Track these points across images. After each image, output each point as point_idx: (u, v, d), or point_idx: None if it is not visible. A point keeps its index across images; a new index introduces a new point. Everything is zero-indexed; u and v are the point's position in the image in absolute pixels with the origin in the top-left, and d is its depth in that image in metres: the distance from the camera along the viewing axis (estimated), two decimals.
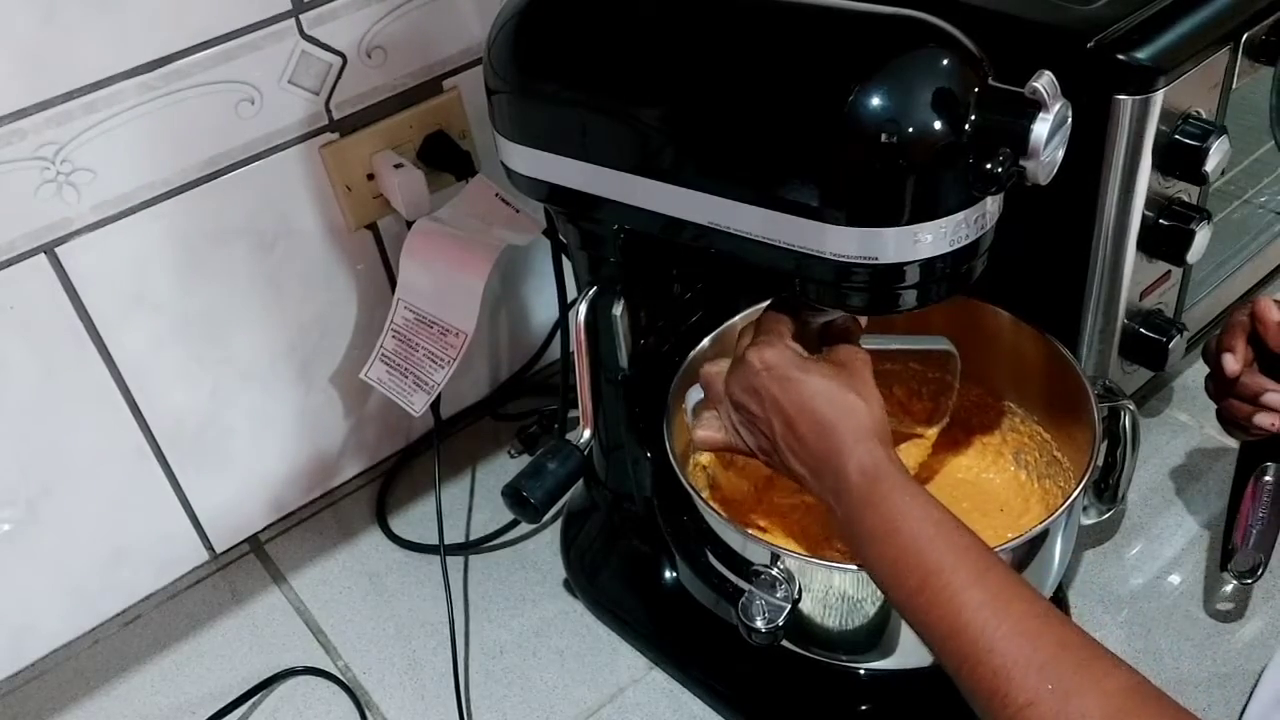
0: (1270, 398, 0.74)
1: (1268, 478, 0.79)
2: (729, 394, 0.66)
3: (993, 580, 0.56)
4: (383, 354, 0.89)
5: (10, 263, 0.75)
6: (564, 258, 0.89)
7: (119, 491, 0.88)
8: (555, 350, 1.08)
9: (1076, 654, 0.53)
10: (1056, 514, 0.67)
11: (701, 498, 0.71)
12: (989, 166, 0.55)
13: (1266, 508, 0.79)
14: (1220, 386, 0.77)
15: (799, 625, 0.68)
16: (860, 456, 0.60)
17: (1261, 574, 0.78)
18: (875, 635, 0.69)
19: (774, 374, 0.63)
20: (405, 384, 0.89)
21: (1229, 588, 0.82)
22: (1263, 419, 0.74)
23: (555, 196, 0.69)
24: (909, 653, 0.70)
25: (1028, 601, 0.55)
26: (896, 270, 0.58)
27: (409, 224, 0.87)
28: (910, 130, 0.54)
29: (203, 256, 0.84)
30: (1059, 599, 0.82)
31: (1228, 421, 0.78)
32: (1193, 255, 0.79)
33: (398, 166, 0.87)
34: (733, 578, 0.69)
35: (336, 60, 0.83)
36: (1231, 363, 0.75)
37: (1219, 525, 0.86)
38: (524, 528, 0.96)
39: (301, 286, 0.90)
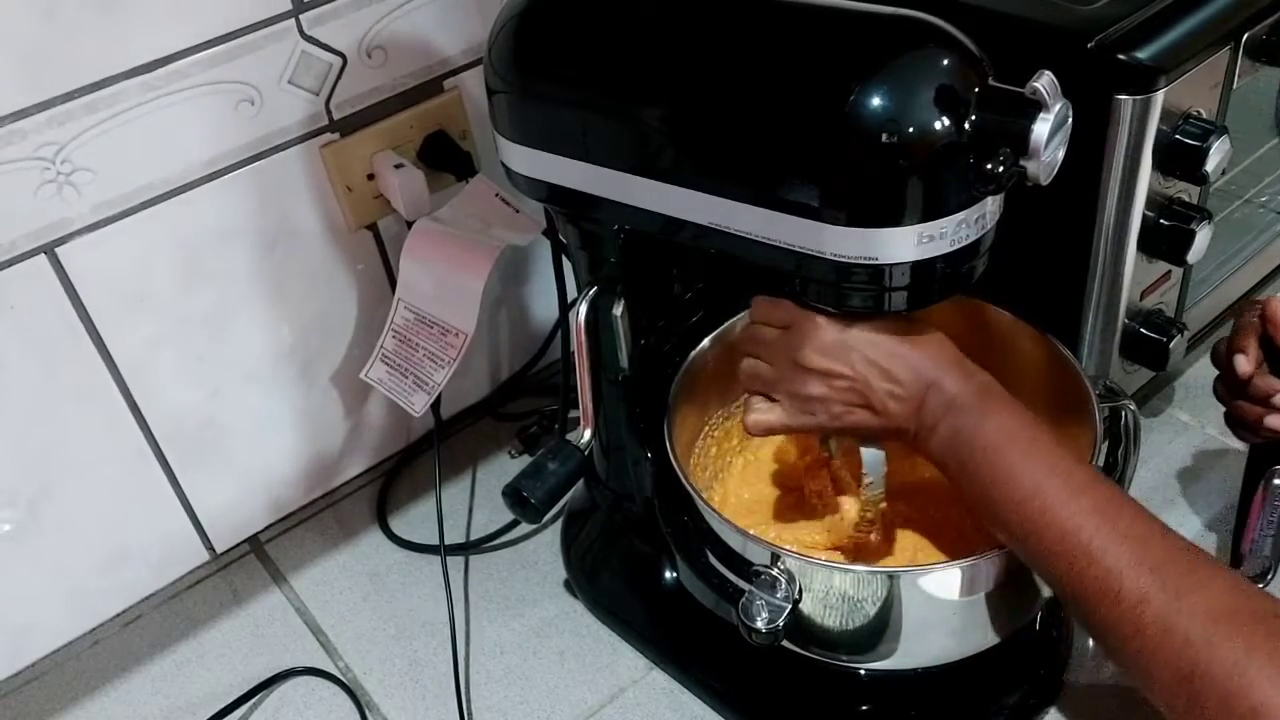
0: None
1: (1277, 481, 0.79)
2: (806, 366, 0.65)
3: (1102, 491, 0.59)
4: (383, 354, 0.89)
5: (10, 263, 0.75)
6: (564, 258, 0.89)
7: (119, 492, 0.88)
8: (556, 350, 1.07)
9: (1184, 556, 0.57)
10: None
11: (701, 498, 0.70)
12: (989, 166, 0.55)
13: (1276, 512, 0.79)
14: (1230, 388, 0.77)
15: (799, 625, 0.68)
16: (959, 377, 0.63)
17: (1272, 578, 0.78)
18: (876, 635, 0.69)
19: (855, 335, 0.64)
20: (405, 384, 0.89)
21: None
22: (1274, 421, 0.74)
23: (555, 197, 0.69)
24: (910, 653, 0.70)
25: (1136, 509, 0.59)
26: (897, 270, 0.58)
27: (409, 224, 0.87)
28: (911, 130, 0.54)
29: (203, 257, 0.84)
30: (1058, 600, 0.82)
31: (1237, 423, 0.78)
32: (1193, 255, 0.79)
33: (398, 167, 0.87)
34: (733, 578, 0.69)
35: (337, 60, 0.83)
36: (1244, 364, 0.74)
37: (1221, 526, 0.86)
38: (524, 528, 0.96)
39: (302, 286, 0.90)
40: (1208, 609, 0.54)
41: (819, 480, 0.79)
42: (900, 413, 0.64)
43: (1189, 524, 0.88)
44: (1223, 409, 0.79)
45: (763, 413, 0.68)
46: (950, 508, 0.77)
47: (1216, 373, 0.79)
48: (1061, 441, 0.62)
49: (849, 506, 0.76)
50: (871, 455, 0.69)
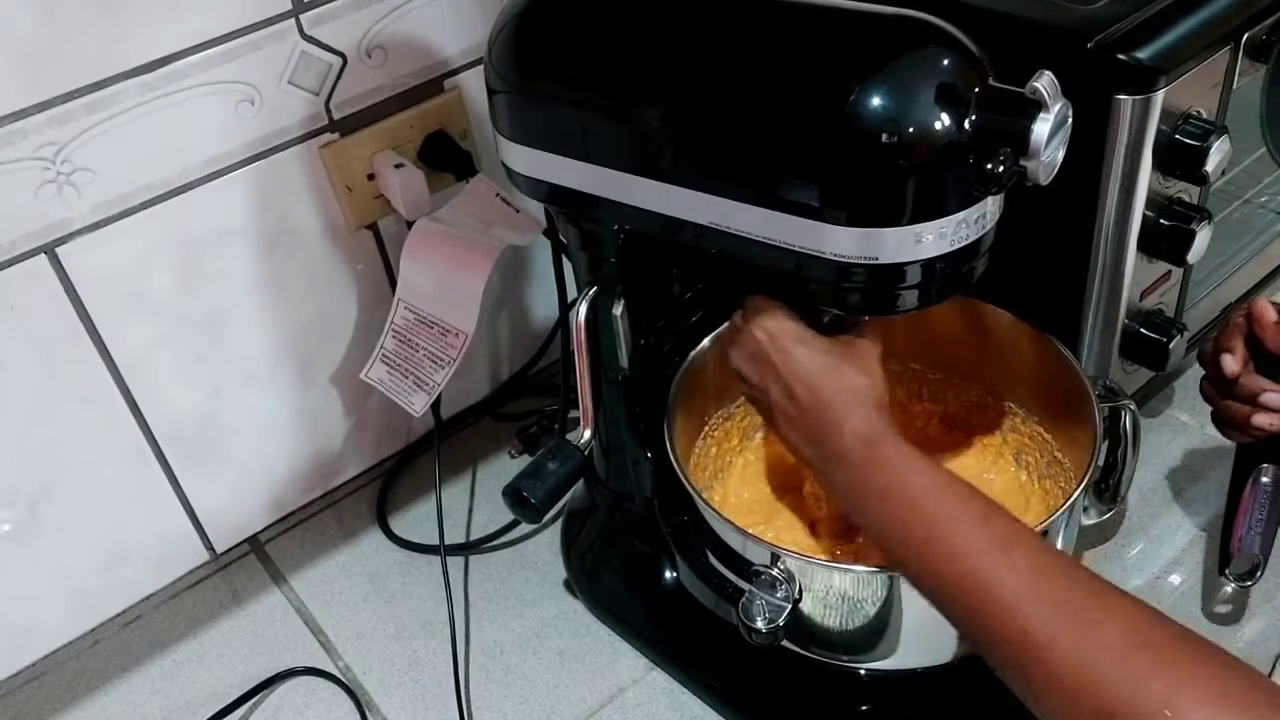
0: (1269, 398, 0.74)
1: (1265, 479, 0.79)
2: (733, 364, 0.67)
3: (997, 525, 0.56)
4: (383, 354, 0.89)
5: (10, 263, 0.75)
6: (564, 258, 0.89)
7: (119, 492, 0.87)
8: (556, 350, 1.07)
9: (1087, 586, 0.53)
10: (1057, 514, 0.67)
11: (702, 498, 0.71)
12: (989, 166, 0.55)
13: (1264, 509, 0.79)
14: (1217, 388, 0.77)
15: (799, 625, 0.68)
16: (856, 423, 0.61)
17: (1260, 576, 0.78)
18: (876, 635, 0.69)
19: (775, 343, 0.64)
20: (405, 384, 0.89)
21: (1229, 589, 0.82)
22: (1261, 419, 0.74)
23: (556, 196, 0.69)
24: (910, 653, 0.70)
25: (1033, 541, 0.56)
26: (897, 270, 0.58)
27: (409, 224, 0.87)
28: (911, 130, 0.54)
29: (203, 257, 0.84)
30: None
31: (1224, 423, 0.78)
32: (1193, 255, 0.79)
33: (398, 166, 0.87)
34: (733, 578, 0.69)
35: (337, 60, 0.83)
36: (1231, 363, 0.74)
37: (1219, 526, 0.86)
38: (524, 528, 0.96)
39: (302, 286, 0.90)
40: (1122, 639, 0.51)
41: (815, 482, 0.79)
42: (795, 440, 0.64)
43: (1188, 524, 0.88)
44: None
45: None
46: None
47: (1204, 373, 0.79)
48: (958, 479, 0.60)
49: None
50: None
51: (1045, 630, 0.52)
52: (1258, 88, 0.81)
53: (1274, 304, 0.74)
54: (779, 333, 0.64)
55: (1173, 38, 0.71)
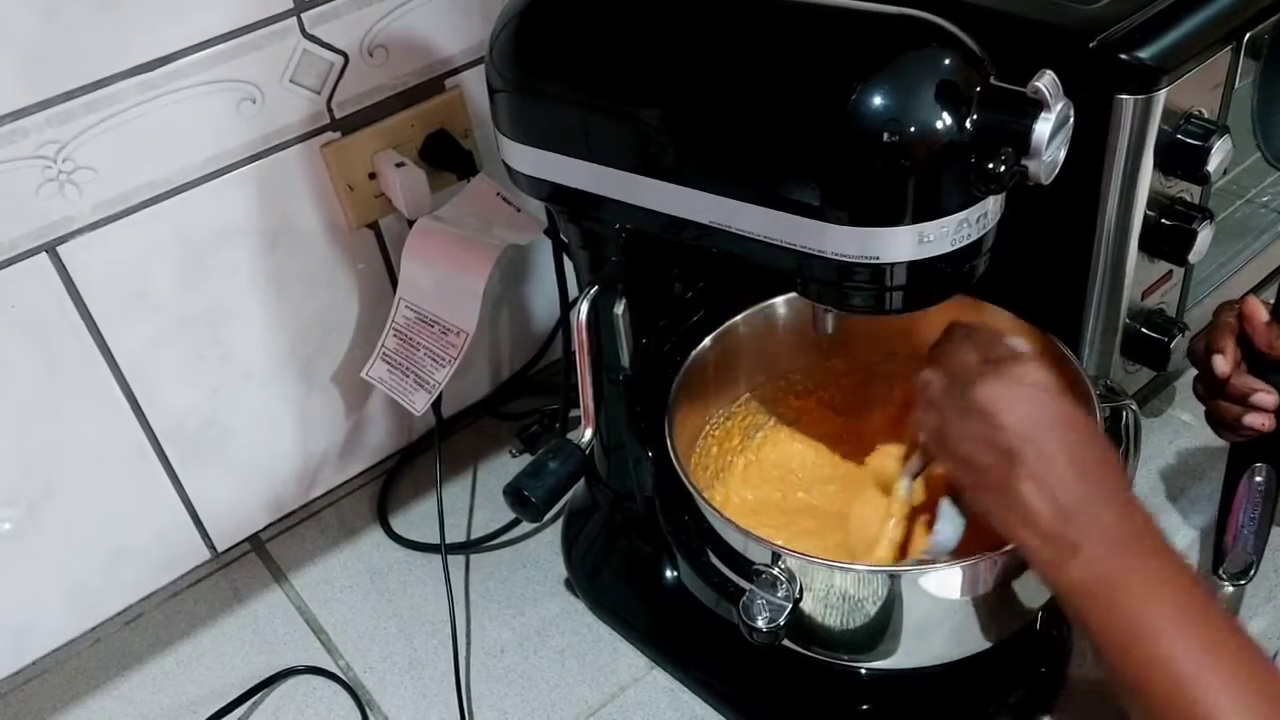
0: (1260, 398, 0.74)
1: (1258, 478, 0.79)
2: (974, 398, 0.60)
3: (1230, 654, 0.54)
4: (384, 353, 0.89)
5: (11, 262, 0.75)
6: (565, 257, 0.89)
7: (120, 490, 0.88)
8: (557, 349, 1.08)
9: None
10: None
11: (702, 497, 0.70)
12: (990, 166, 0.55)
13: (1257, 508, 0.79)
14: (1209, 387, 0.77)
15: (800, 625, 0.68)
16: (1123, 504, 0.57)
17: (1254, 575, 0.78)
18: (877, 635, 0.69)
19: (1048, 401, 0.59)
20: (406, 383, 0.89)
21: (1227, 589, 0.82)
22: (1253, 419, 0.74)
23: (557, 196, 0.69)
24: (910, 653, 0.70)
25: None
26: (898, 270, 0.58)
27: (410, 223, 0.88)
28: (912, 129, 0.54)
29: (204, 255, 0.84)
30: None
31: (1217, 423, 0.78)
32: (1194, 255, 0.79)
33: (399, 165, 0.87)
34: (734, 577, 0.69)
35: (338, 59, 0.83)
36: (1222, 364, 0.74)
37: None
38: (525, 527, 0.96)
39: (303, 285, 0.90)
40: None
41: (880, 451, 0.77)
42: (1034, 507, 0.58)
43: (1189, 524, 0.88)
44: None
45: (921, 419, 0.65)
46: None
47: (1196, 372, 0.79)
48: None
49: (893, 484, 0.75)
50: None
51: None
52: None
53: (1265, 303, 0.74)
54: (1051, 385, 0.59)
55: (1174, 37, 0.71)
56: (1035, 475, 0.58)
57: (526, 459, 1.02)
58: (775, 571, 0.66)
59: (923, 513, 0.73)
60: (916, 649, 0.70)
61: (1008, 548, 0.65)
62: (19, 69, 0.70)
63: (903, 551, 0.72)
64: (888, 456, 0.75)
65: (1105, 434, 0.59)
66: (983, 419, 0.60)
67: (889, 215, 0.56)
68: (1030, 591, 0.70)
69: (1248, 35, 0.76)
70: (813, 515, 0.80)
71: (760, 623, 0.66)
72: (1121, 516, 0.57)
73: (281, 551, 0.98)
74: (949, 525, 0.68)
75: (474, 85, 0.91)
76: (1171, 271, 0.85)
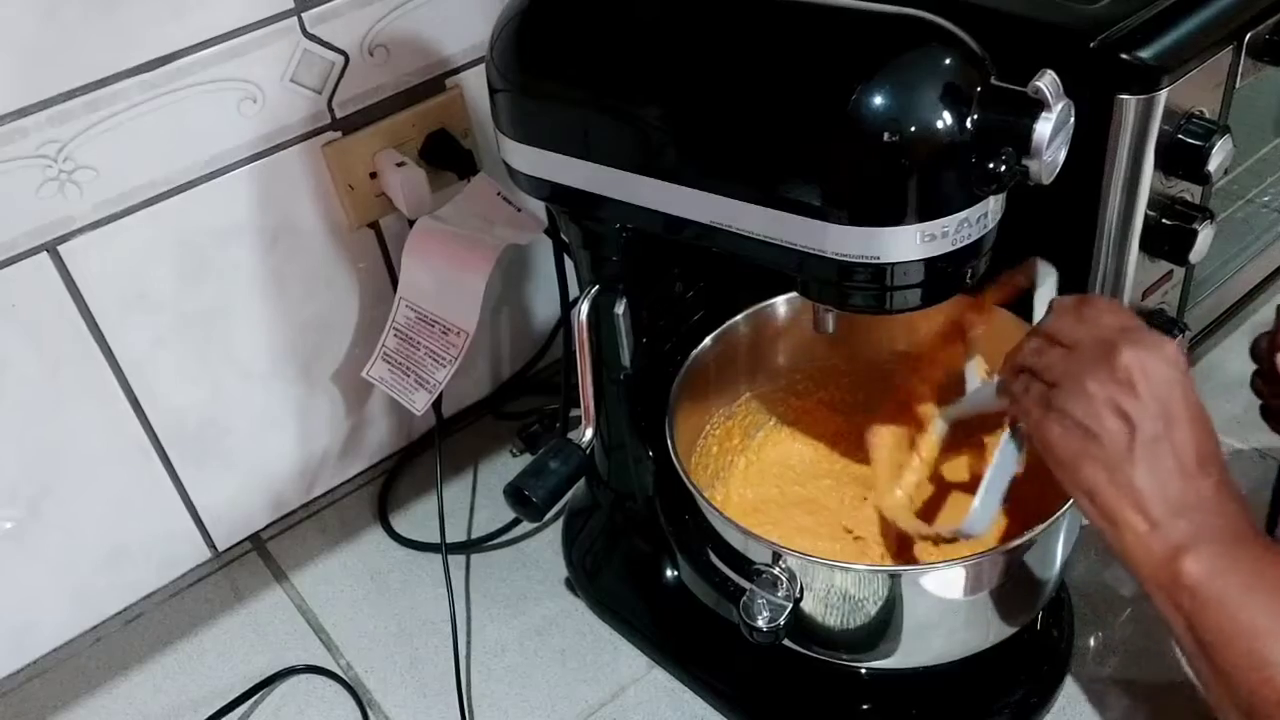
0: None
1: None
2: (1115, 358, 0.56)
3: None
4: (384, 352, 0.89)
5: (12, 261, 0.75)
6: (566, 256, 0.89)
7: (121, 489, 0.88)
8: (557, 349, 1.07)
9: None
10: (1058, 514, 0.67)
11: (703, 496, 0.71)
12: (991, 166, 0.55)
13: None
14: (1270, 384, 0.76)
15: (801, 624, 0.68)
16: (1238, 508, 0.55)
17: None
18: (877, 634, 0.69)
19: (1190, 381, 0.56)
20: (407, 382, 0.89)
21: None
22: None
23: (557, 195, 0.69)
24: (911, 652, 0.70)
25: None
26: (898, 269, 0.58)
27: (411, 222, 0.88)
28: (912, 129, 0.54)
29: (205, 255, 0.84)
30: (1060, 599, 0.82)
31: (1273, 416, 0.76)
32: (1195, 255, 0.79)
33: (400, 165, 0.87)
34: (734, 576, 0.69)
35: (339, 59, 0.83)
36: None
37: None
38: (526, 526, 0.96)
39: (303, 285, 0.90)
40: None
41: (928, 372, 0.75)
42: (1147, 492, 0.55)
43: None
44: (1225, 406, 0.79)
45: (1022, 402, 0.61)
46: (953, 509, 0.77)
47: (1223, 376, 0.78)
48: None
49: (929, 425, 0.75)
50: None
51: None
52: (1260, 88, 0.81)
53: None
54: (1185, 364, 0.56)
55: (1175, 37, 0.71)
56: (1157, 456, 0.55)
57: (527, 459, 1.02)
58: (776, 571, 0.66)
59: (944, 492, 0.72)
60: (917, 648, 0.70)
61: (1008, 547, 0.65)
62: (19, 68, 0.70)
63: (928, 511, 0.72)
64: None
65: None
66: (1119, 383, 0.56)
67: (890, 215, 0.56)
68: (1031, 591, 0.70)
69: (1248, 35, 0.76)
70: (810, 511, 0.80)
71: (761, 622, 0.66)
72: (1234, 517, 0.55)
73: (282, 551, 0.98)
74: (1005, 466, 0.65)
75: (474, 85, 0.91)
76: (1172, 271, 0.85)
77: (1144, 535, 0.56)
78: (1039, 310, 0.66)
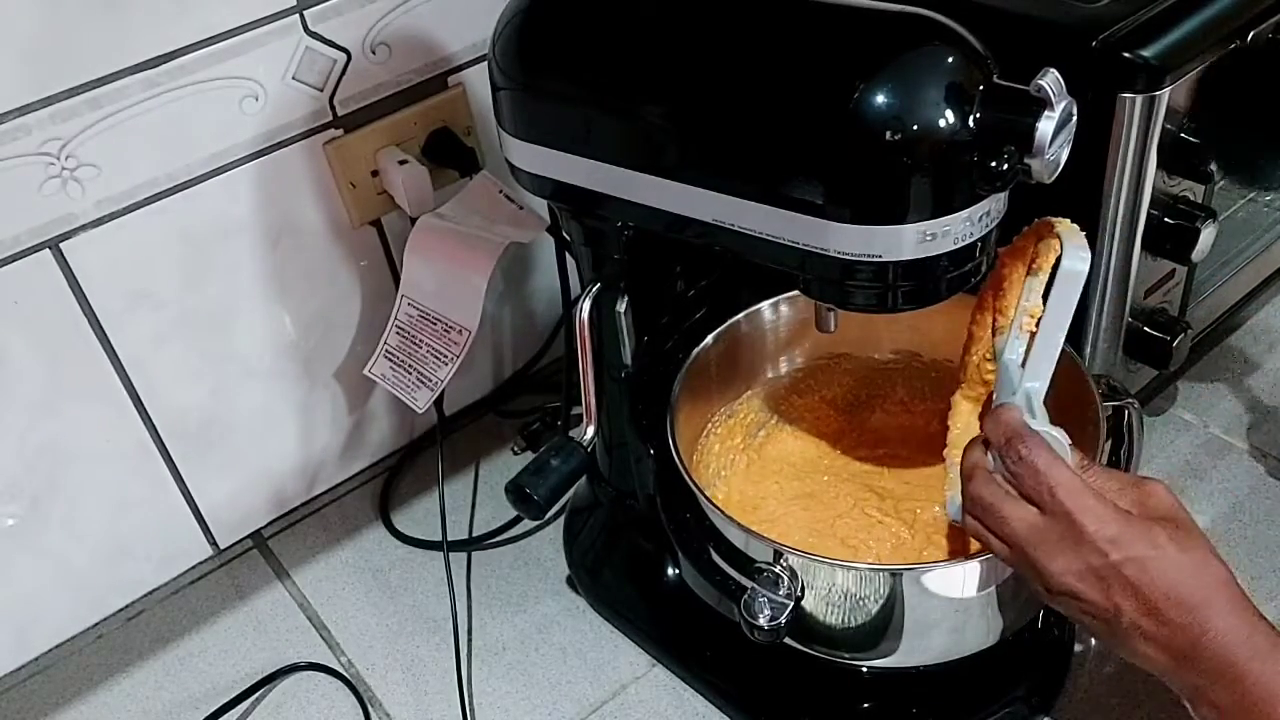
0: None
1: None
2: (1056, 581, 0.56)
3: None
4: (386, 350, 0.90)
5: (15, 258, 0.75)
6: (568, 254, 0.89)
7: (122, 487, 0.88)
8: (559, 347, 1.07)
9: None
10: None
11: (704, 495, 0.71)
12: (993, 165, 0.54)
13: None
14: None
15: (802, 623, 0.68)
16: (1241, 631, 0.54)
17: None
18: (878, 633, 0.69)
19: (1126, 554, 0.55)
20: (409, 380, 0.89)
21: None
22: None
23: (559, 193, 0.69)
24: (912, 651, 0.70)
25: None
26: (900, 268, 0.58)
27: (413, 220, 0.88)
28: (915, 128, 0.54)
29: (206, 252, 0.84)
30: None
31: None
32: (1198, 254, 0.79)
33: (402, 163, 0.87)
34: (735, 575, 0.69)
35: (341, 56, 0.83)
36: None
37: (1224, 525, 0.86)
38: (527, 524, 0.96)
39: (305, 283, 0.90)
40: None
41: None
42: (1154, 655, 0.55)
43: None
44: (1222, 407, 0.78)
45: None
46: None
47: (1219, 375, 0.78)
48: None
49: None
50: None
51: None
52: None
53: None
54: (1122, 537, 0.55)
55: (1178, 36, 0.71)
56: (1133, 627, 0.55)
57: (528, 456, 1.02)
58: (777, 569, 0.66)
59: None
60: (918, 648, 0.70)
61: None
62: (22, 66, 0.70)
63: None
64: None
65: (1189, 562, 0.55)
66: (1066, 598, 0.57)
67: (892, 213, 0.56)
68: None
69: (1250, 34, 0.76)
70: (807, 507, 0.80)
71: (762, 621, 0.66)
72: (1245, 641, 0.54)
73: (283, 548, 0.98)
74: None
75: (476, 82, 0.91)
76: (1174, 270, 0.85)
77: (1161, 674, 0.56)
78: (1056, 287, 0.65)
